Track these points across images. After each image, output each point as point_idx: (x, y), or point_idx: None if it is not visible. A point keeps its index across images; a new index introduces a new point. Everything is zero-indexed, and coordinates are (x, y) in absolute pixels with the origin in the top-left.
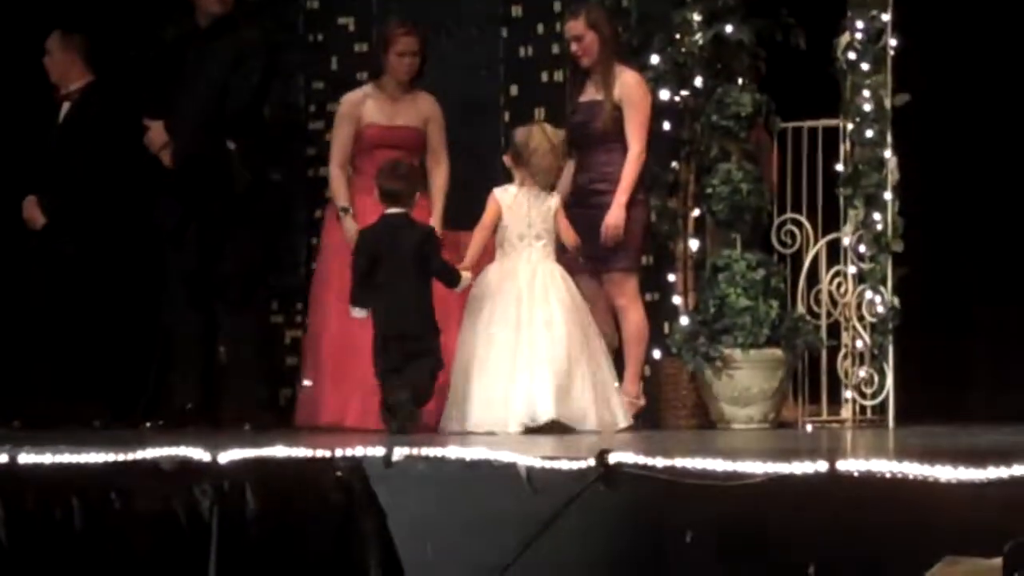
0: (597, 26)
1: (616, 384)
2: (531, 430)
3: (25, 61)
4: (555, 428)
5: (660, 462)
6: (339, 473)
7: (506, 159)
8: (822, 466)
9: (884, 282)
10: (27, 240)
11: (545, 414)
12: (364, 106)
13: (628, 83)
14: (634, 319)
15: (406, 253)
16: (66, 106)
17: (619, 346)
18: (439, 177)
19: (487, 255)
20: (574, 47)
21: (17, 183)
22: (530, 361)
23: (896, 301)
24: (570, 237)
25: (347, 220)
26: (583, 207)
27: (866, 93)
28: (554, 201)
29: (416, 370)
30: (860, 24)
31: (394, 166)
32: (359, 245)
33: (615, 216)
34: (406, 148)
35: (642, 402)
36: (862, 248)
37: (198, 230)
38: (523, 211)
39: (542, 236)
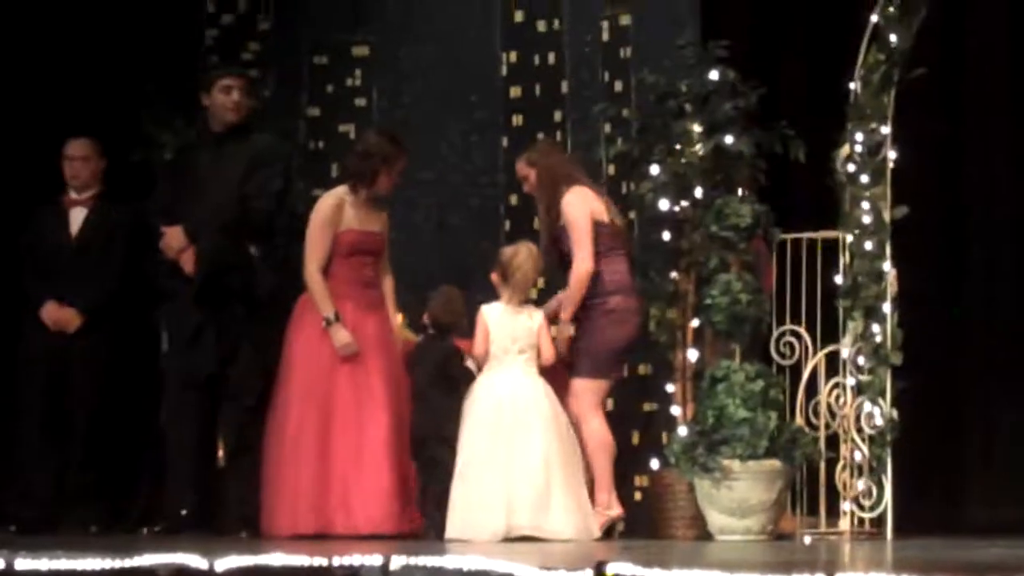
0: (536, 163)
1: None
2: (507, 539)
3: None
4: (530, 539)
5: (657, 574)
6: None
7: (493, 277)
8: None
9: (883, 394)
10: (24, 342)
11: (521, 526)
12: (343, 211)
13: (565, 202)
14: (590, 429)
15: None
16: (79, 212)
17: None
18: (389, 281)
19: None
20: (524, 186)
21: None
22: (507, 471)
23: (895, 413)
24: (548, 355)
25: (338, 329)
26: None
27: (865, 205)
28: (538, 318)
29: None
30: (860, 137)
31: (448, 299)
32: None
33: (560, 329)
34: (375, 255)
35: (615, 512)
36: (861, 360)
37: (216, 334)
38: (508, 327)
39: (525, 351)
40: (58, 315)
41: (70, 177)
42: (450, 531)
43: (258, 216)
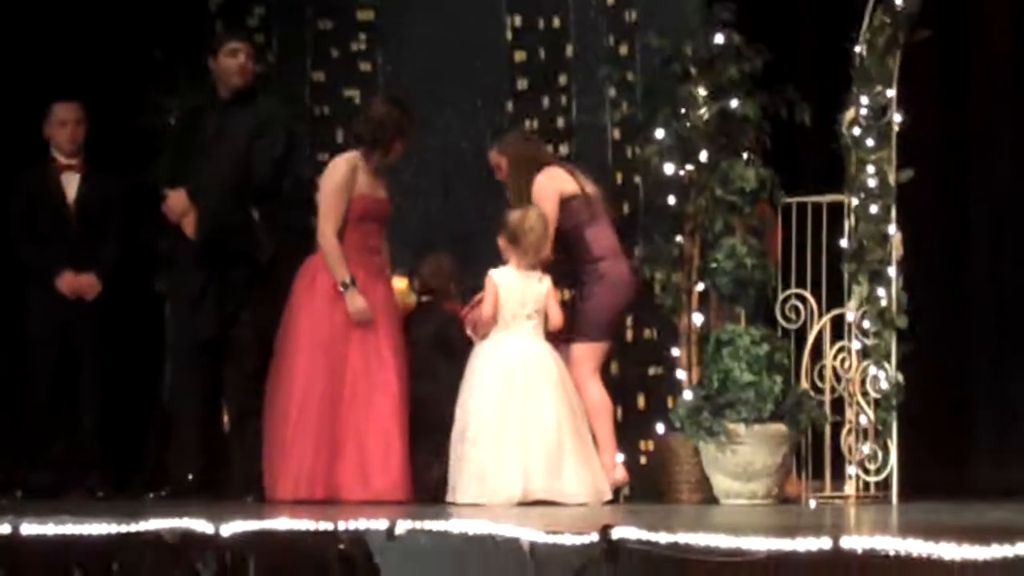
0: (506, 152)
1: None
2: (521, 504)
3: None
4: (544, 503)
5: (663, 538)
6: (342, 546)
7: (500, 241)
8: (826, 543)
9: (888, 358)
10: (31, 311)
11: (536, 491)
12: (357, 176)
13: (535, 185)
14: (589, 394)
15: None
16: (71, 176)
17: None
18: (386, 247)
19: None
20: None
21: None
22: (521, 436)
23: (900, 377)
24: (556, 319)
25: (354, 294)
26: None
27: (870, 169)
28: (546, 283)
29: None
30: (865, 100)
31: (438, 263)
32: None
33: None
34: (382, 222)
35: (619, 475)
36: (866, 324)
37: (217, 298)
38: (518, 292)
39: (533, 316)
40: (77, 283)
41: (65, 141)
42: (463, 496)
43: (260, 180)
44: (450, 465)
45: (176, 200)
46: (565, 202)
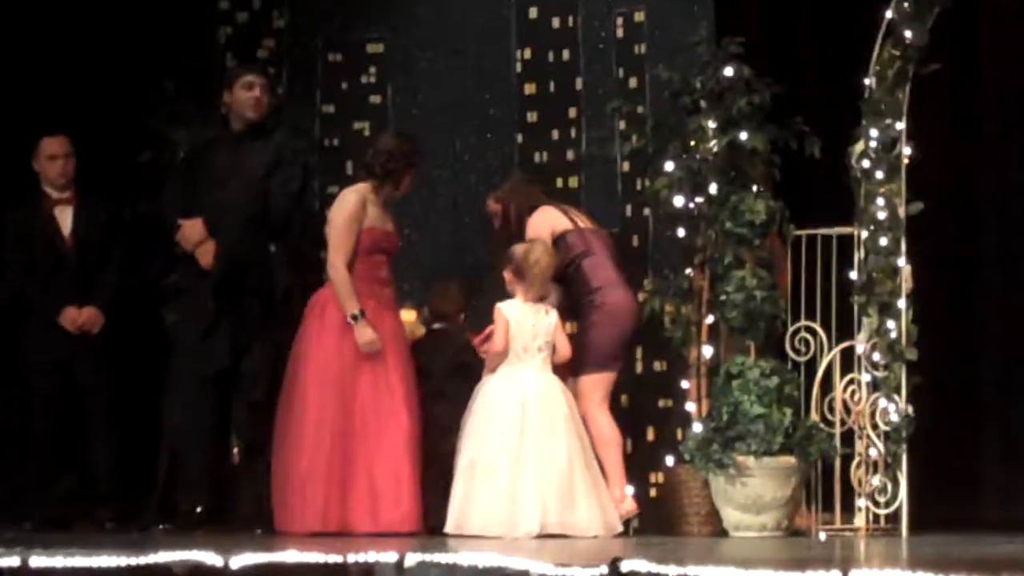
0: (504, 201)
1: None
2: (539, 536)
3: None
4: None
5: (673, 570)
6: None
7: (506, 275)
8: None
9: (898, 390)
10: (31, 348)
11: (551, 524)
12: (367, 208)
13: (528, 227)
14: (598, 425)
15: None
16: (64, 210)
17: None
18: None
19: None
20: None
21: None
22: (536, 467)
23: (910, 410)
24: (564, 351)
25: (364, 326)
26: None
27: (880, 201)
28: (554, 315)
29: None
30: (874, 133)
31: (446, 289)
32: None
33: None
34: (391, 254)
35: (628, 506)
36: (876, 356)
37: (230, 329)
38: (528, 324)
39: (544, 349)
40: (81, 317)
41: (56, 175)
42: (475, 528)
43: (279, 213)
44: (455, 496)
45: (191, 230)
46: (559, 238)
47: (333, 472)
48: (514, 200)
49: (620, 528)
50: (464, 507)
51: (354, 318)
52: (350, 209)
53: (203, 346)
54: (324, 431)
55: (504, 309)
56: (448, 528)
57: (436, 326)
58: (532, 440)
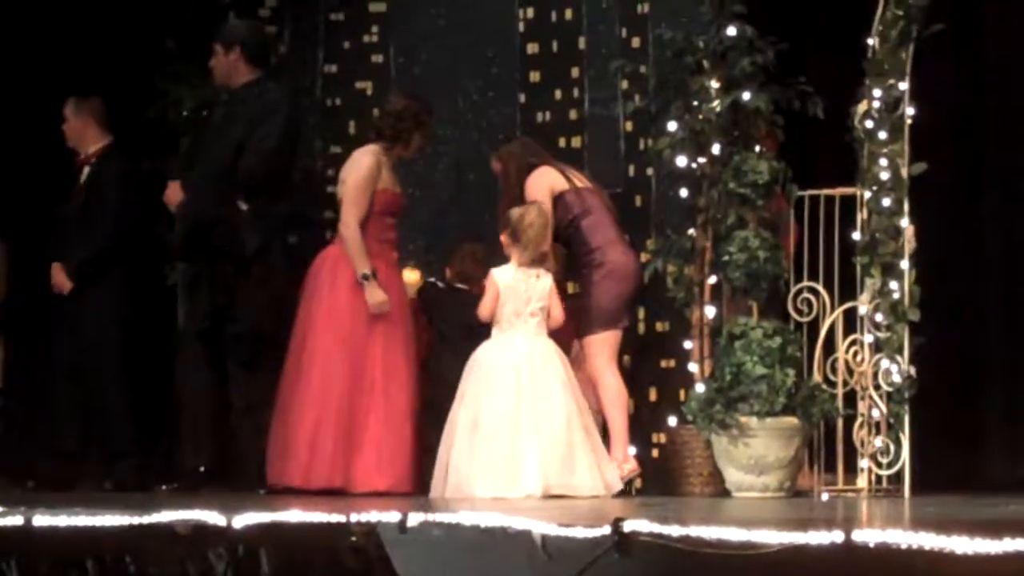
0: (503, 158)
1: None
2: (543, 497)
3: (47, 128)
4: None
5: (675, 530)
6: (354, 538)
7: (503, 238)
8: (838, 536)
9: (901, 351)
10: (46, 303)
11: (553, 486)
12: (381, 169)
13: (527, 187)
14: (605, 384)
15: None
16: (86, 170)
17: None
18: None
19: None
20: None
21: (41, 247)
22: (534, 430)
23: (912, 370)
24: (558, 316)
25: (374, 286)
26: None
27: (883, 162)
28: (548, 279)
29: None
30: (878, 93)
31: (474, 251)
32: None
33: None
34: (399, 215)
35: (631, 466)
36: (879, 317)
37: (207, 290)
38: (521, 290)
39: (537, 314)
40: (54, 278)
41: (67, 140)
42: (476, 490)
43: (246, 171)
44: (453, 459)
45: (172, 191)
46: (558, 198)
47: (340, 427)
48: (513, 160)
49: (620, 487)
50: (463, 473)
51: (365, 278)
52: (366, 170)
53: (188, 306)
54: (333, 387)
55: (496, 275)
56: (448, 491)
57: (457, 285)
58: (528, 403)
